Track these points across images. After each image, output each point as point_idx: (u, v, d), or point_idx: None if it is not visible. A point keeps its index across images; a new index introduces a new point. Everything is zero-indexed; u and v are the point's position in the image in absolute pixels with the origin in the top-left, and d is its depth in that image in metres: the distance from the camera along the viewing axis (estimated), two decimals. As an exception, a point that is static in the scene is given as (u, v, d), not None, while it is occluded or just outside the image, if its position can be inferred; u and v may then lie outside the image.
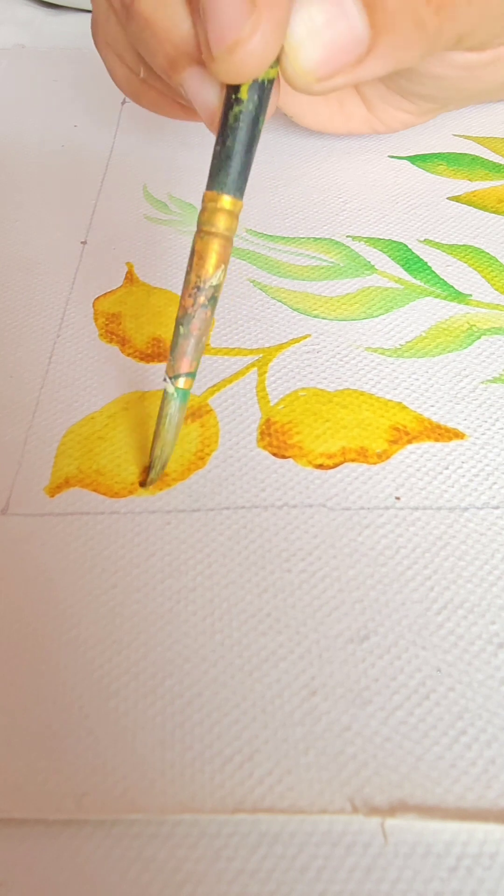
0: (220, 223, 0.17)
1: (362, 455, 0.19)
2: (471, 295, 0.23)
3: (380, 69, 0.19)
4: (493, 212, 0.27)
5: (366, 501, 0.18)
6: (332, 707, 0.15)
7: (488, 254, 0.25)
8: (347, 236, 0.26)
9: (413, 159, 0.30)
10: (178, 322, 0.17)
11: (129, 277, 0.25)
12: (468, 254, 0.25)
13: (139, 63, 0.22)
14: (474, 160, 0.29)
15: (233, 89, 0.17)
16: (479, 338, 0.22)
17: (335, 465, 0.19)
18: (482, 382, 0.21)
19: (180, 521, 0.18)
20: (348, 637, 0.16)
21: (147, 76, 0.22)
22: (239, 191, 0.17)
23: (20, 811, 0.13)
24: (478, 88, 0.25)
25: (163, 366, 0.22)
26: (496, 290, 0.24)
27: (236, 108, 0.17)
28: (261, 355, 0.22)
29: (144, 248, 0.26)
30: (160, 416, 0.18)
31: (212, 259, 0.17)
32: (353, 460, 0.19)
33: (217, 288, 0.17)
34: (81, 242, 0.26)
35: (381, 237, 0.26)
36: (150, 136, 0.32)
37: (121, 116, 0.33)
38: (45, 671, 0.15)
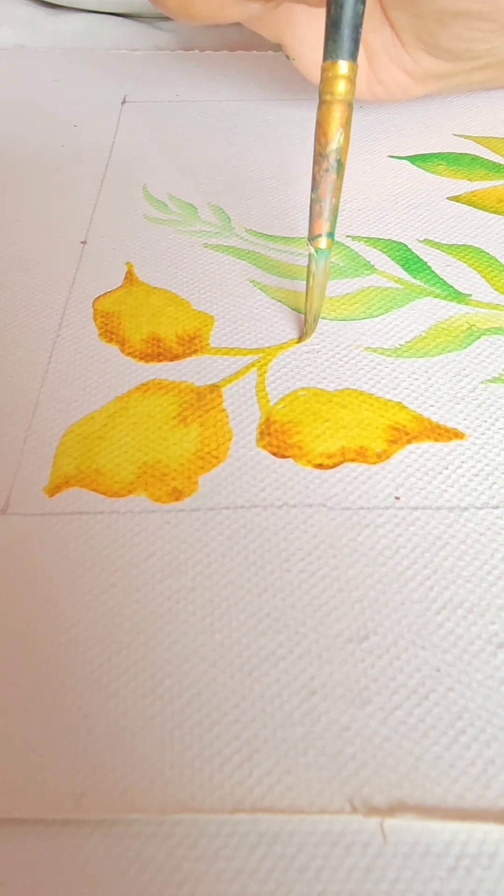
0: (337, 89, 0.19)
1: (362, 455, 0.19)
2: (471, 295, 0.23)
3: None
4: (493, 212, 0.27)
5: (365, 501, 0.18)
6: (331, 707, 0.15)
7: (488, 254, 0.25)
8: (347, 236, 0.26)
9: (413, 159, 0.30)
10: (311, 190, 0.20)
11: (129, 277, 0.25)
12: (468, 254, 0.25)
13: None
14: (474, 160, 0.29)
15: None
16: (478, 338, 0.22)
17: (335, 465, 0.19)
18: (482, 382, 0.21)
19: (180, 520, 0.18)
20: (348, 637, 0.16)
21: None
22: (351, 55, 0.19)
23: (19, 811, 0.13)
24: (476, 40, 0.25)
25: (163, 365, 0.22)
26: (496, 290, 0.24)
27: None
28: (261, 355, 0.22)
29: (144, 248, 0.26)
30: (308, 276, 0.21)
31: (331, 125, 0.19)
32: (352, 460, 0.19)
33: (339, 151, 0.19)
34: (81, 242, 0.26)
35: (380, 237, 0.26)
36: (150, 136, 0.32)
37: (121, 116, 0.33)
38: (45, 671, 0.15)
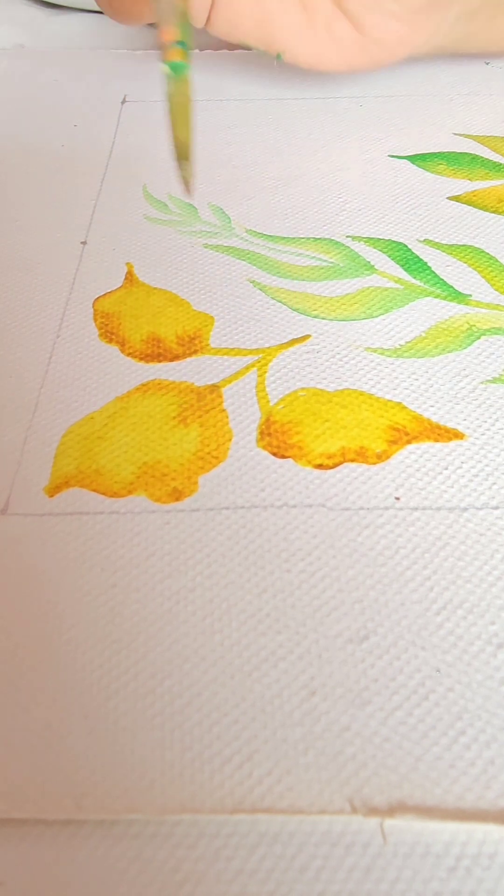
0: None
1: (362, 455, 0.19)
2: (471, 295, 0.23)
3: None
4: (493, 212, 0.27)
5: (365, 501, 0.18)
6: (331, 707, 0.15)
7: (488, 254, 0.25)
8: (347, 236, 0.26)
9: (413, 159, 0.30)
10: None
11: (129, 277, 0.25)
12: (468, 254, 0.25)
13: None
14: (474, 159, 0.29)
15: None
16: (478, 338, 0.22)
17: (335, 465, 0.19)
18: (482, 382, 0.21)
19: (180, 520, 0.18)
20: (348, 637, 0.16)
21: None
22: None
23: (19, 811, 0.13)
24: None
25: (163, 366, 0.22)
26: (496, 290, 0.24)
27: None
28: (260, 355, 0.22)
29: (144, 248, 0.26)
30: (167, 101, 0.17)
31: None
32: (352, 460, 0.19)
33: None
34: (81, 242, 0.26)
35: (380, 237, 0.26)
36: (150, 136, 0.32)
37: (121, 116, 0.33)
38: (45, 671, 0.15)
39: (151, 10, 0.23)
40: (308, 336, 0.22)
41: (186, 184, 0.18)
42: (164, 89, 0.17)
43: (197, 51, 0.39)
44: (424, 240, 0.26)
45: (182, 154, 0.18)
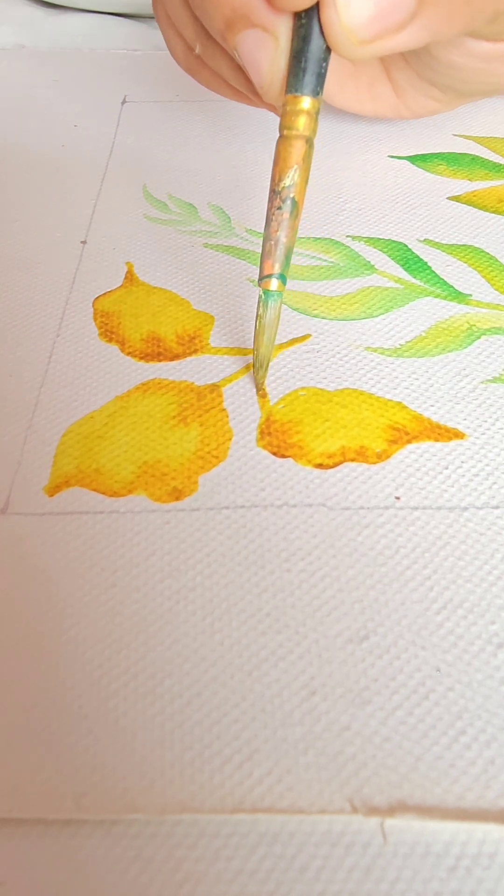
0: (297, 124, 0.18)
1: (362, 455, 0.19)
2: (471, 295, 0.23)
3: (419, 38, 0.19)
4: (493, 212, 0.27)
5: (365, 501, 0.18)
6: (331, 707, 0.15)
7: (488, 254, 0.25)
8: (347, 236, 0.26)
9: (413, 159, 0.30)
10: (264, 227, 0.19)
11: (129, 277, 0.25)
12: (468, 254, 0.25)
13: (197, 37, 0.23)
14: (474, 160, 0.29)
15: None
16: (478, 338, 0.22)
17: (335, 465, 0.19)
18: (482, 382, 0.21)
19: (179, 520, 0.18)
20: (348, 637, 0.16)
21: (202, 52, 0.23)
22: (313, 91, 0.18)
23: (20, 811, 0.13)
24: (493, 82, 0.25)
25: (163, 365, 0.22)
26: (496, 290, 0.24)
27: (303, 17, 0.18)
28: (260, 355, 0.22)
29: (144, 247, 0.26)
30: (256, 319, 0.19)
31: (287, 161, 0.18)
32: (352, 460, 0.19)
33: (293, 188, 0.18)
34: (81, 242, 0.26)
35: (381, 237, 0.26)
36: (150, 136, 0.32)
37: (121, 116, 0.33)
38: (45, 671, 0.15)
39: (234, 93, 0.24)
40: (308, 335, 0.22)
41: (258, 387, 0.21)
42: (257, 310, 0.19)
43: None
44: (424, 240, 0.26)
45: (260, 365, 0.20)
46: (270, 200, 0.18)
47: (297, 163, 0.18)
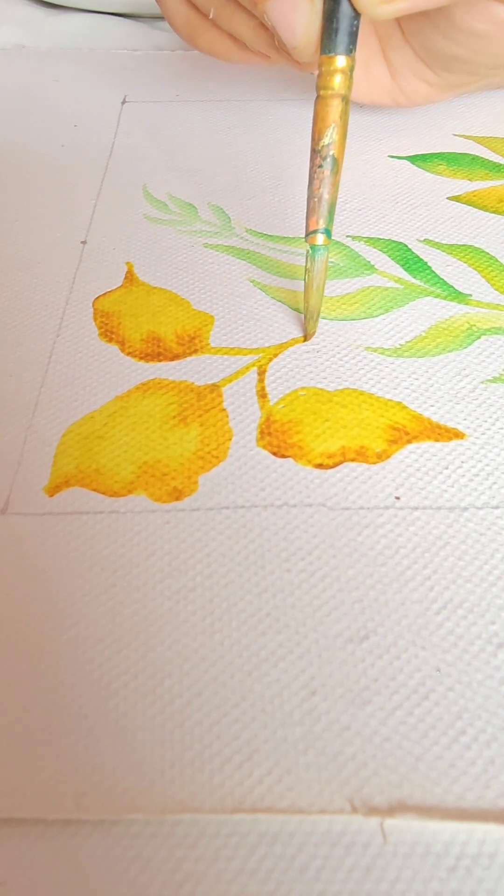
0: (333, 83, 0.19)
1: (362, 455, 0.19)
2: (471, 295, 0.23)
3: None
4: (493, 212, 0.27)
5: (365, 501, 0.18)
6: (331, 707, 0.15)
7: (488, 254, 0.25)
8: (347, 236, 0.26)
9: (413, 159, 0.30)
10: (308, 186, 0.19)
11: (129, 277, 0.25)
12: (468, 254, 0.25)
13: (211, 1, 0.23)
14: (474, 160, 0.29)
15: None
16: (478, 338, 0.22)
17: (335, 465, 0.19)
18: (482, 382, 0.21)
19: (180, 520, 0.18)
20: (348, 637, 0.16)
21: (218, 15, 0.23)
22: (347, 50, 0.19)
23: (20, 811, 0.13)
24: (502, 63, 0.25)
25: (162, 365, 0.22)
26: (496, 290, 0.24)
27: None
28: (261, 355, 0.22)
29: (144, 247, 0.26)
30: (305, 274, 0.21)
31: (326, 119, 0.19)
32: (352, 460, 0.19)
33: (333, 146, 0.19)
34: (81, 242, 0.26)
35: (381, 237, 0.26)
36: (150, 136, 0.32)
37: (121, 116, 0.33)
38: (45, 671, 0.15)
39: (242, 53, 0.24)
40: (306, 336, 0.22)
41: (308, 335, 0.22)
42: (306, 265, 0.20)
43: (197, 51, 0.39)
44: (424, 240, 0.26)
45: (311, 316, 0.21)
46: (312, 160, 0.19)
47: (334, 121, 0.19)
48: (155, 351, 0.22)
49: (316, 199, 0.19)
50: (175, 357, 0.22)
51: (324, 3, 0.19)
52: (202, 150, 0.31)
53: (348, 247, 0.26)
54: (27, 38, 0.41)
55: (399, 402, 0.20)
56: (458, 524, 0.17)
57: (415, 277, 0.24)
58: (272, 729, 0.14)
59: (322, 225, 0.20)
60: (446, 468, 0.19)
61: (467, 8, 0.23)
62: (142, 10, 0.41)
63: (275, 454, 0.19)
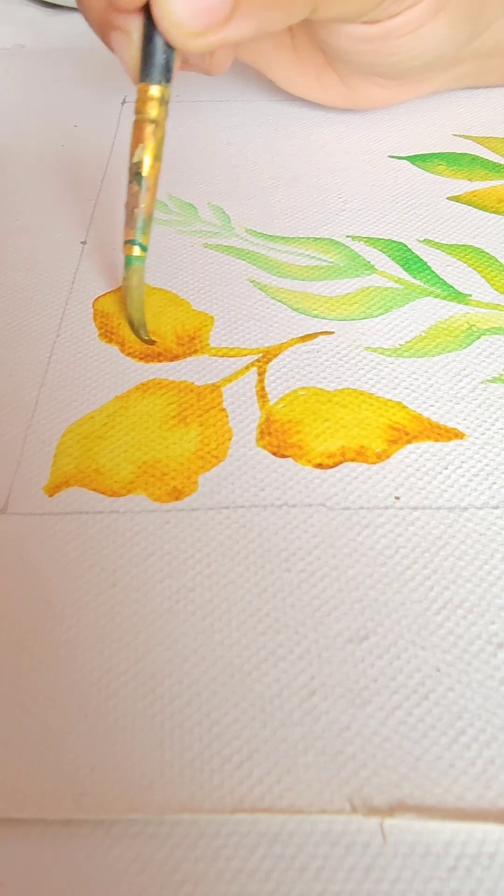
0: (146, 108, 0.20)
1: (362, 455, 0.19)
2: (470, 295, 0.23)
3: (247, 30, 0.20)
4: (493, 212, 0.27)
5: (365, 501, 0.18)
6: (331, 707, 0.15)
7: (488, 254, 0.25)
8: (347, 236, 0.26)
9: (413, 159, 0.30)
10: None
11: (129, 277, 0.25)
12: (468, 254, 0.25)
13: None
14: (474, 160, 0.29)
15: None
16: (478, 338, 0.22)
17: (335, 465, 0.19)
18: (482, 382, 0.21)
19: (179, 520, 0.18)
20: (347, 637, 0.16)
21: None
22: (159, 81, 0.20)
23: (19, 811, 0.13)
24: (394, 62, 0.26)
25: (163, 365, 0.22)
26: (496, 290, 0.24)
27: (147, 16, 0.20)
28: (261, 355, 0.22)
29: (144, 247, 0.26)
30: (123, 285, 0.21)
31: (137, 140, 0.20)
32: (352, 460, 0.19)
33: (140, 164, 0.20)
34: (81, 242, 0.26)
35: (380, 237, 0.26)
36: (150, 135, 0.32)
37: (121, 116, 0.33)
38: (45, 671, 0.15)
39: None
40: (308, 335, 0.22)
41: (147, 341, 0.22)
42: (123, 277, 0.21)
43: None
44: (424, 240, 0.26)
45: (135, 328, 0.22)
46: (129, 177, 0.21)
47: (145, 143, 0.20)
48: (155, 351, 0.22)
49: (128, 213, 0.21)
50: (175, 357, 0.22)
51: (143, 42, 0.20)
52: (202, 150, 0.31)
53: (348, 247, 0.26)
54: (27, 38, 0.41)
55: (399, 402, 0.20)
56: (457, 524, 0.17)
57: (415, 277, 0.24)
58: (272, 729, 0.14)
59: (132, 236, 0.21)
60: (446, 468, 0.19)
61: (318, 27, 0.24)
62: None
63: (275, 454, 0.19)
